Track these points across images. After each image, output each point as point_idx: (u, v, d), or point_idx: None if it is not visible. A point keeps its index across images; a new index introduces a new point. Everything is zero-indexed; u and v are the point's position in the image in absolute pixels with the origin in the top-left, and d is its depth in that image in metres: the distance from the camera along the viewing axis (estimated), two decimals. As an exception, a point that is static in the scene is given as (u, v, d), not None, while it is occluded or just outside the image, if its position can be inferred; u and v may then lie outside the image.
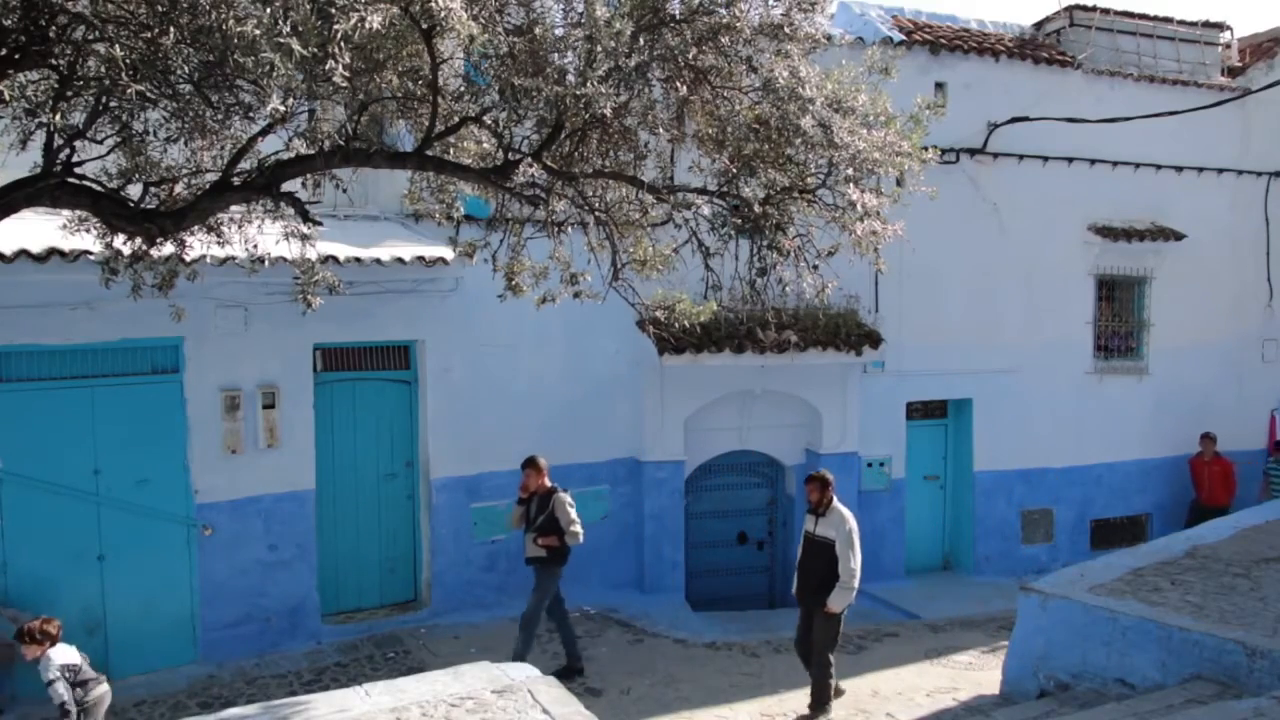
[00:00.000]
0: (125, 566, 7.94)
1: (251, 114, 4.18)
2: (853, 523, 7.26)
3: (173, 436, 8.14)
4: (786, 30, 4.95)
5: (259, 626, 8.50)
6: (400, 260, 8.38)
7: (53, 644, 5.90)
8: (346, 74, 3.61)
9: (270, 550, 8.58)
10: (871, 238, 5.27)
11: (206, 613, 8.30)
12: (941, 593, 11.39)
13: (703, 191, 5.42)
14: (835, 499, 7.36)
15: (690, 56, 4.74)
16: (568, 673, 7.92)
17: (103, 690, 6.03)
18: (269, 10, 3.36)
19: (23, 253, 6.97)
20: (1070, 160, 12.22)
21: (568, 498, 7.99)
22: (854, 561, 7.18)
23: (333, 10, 3.45)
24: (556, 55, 4.58)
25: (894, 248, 5.97)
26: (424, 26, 4.07)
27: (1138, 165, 12.60)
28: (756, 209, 5.13)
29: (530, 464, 8.04)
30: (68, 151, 4.46)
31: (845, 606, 7.29)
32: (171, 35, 3.42)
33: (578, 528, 7.89)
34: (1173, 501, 12.82)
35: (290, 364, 8.62)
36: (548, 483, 8.05)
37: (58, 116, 4.06)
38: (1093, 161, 12.34)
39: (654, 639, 9.24)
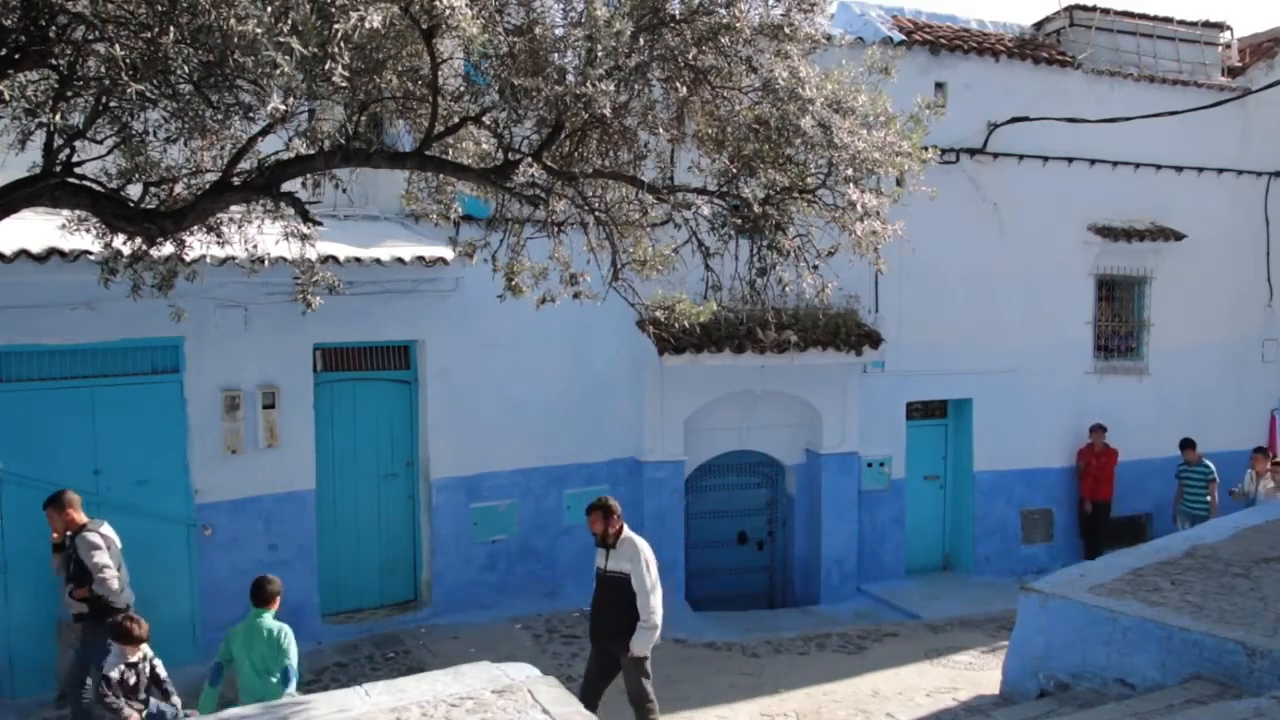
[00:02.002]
0: (125, 566, 7.92)
1: (251, 114, 4.18)
2: (648, 552, 6.50)
3: (173, 436, 8.14)
4: (786, 30, 4.94)
5: (259, 626, 8.49)
6: (400, 260, 8.38)
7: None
8: (347, 74, 3.61)
9: (270, 550, 8.57)
10: (871, 238, 5.26)
11: (206, 613, 8.30)
12: (941, 593, 11.40)
13: (703, 191, 5.42)
14: (625, 527, 6.59)
15: (690, 56, 4.74)
16: None
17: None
18: (269, 10, 3.36)
19: (23, 253, 6.97)
20: (1070, 160, 12.23)
21: (95, 536, 6.53)
22: (654, 596, 6.40)
23: (333, 9, 3.45)
24: (556, 55, 4.58)
25: (894, 248, 5.97)
26: (424, 26, 4.07)
27: (1138, 165, 12.60)
28: (756, 209, 5.13)
29: (51, 502, 6.64)
30: (68, 151, 4.46)
31: (650, 647, 6.52)
32: (171, 35, 3.42)
33: (107, 574, 6.42)
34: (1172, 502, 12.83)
35: (290, 364, 8.62)
36: (80, 518, 6.68)
37: (58, 116, 4.06)
38: (1093, 161, 12.35)
39: (654, 639, 9.23)
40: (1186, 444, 11.82)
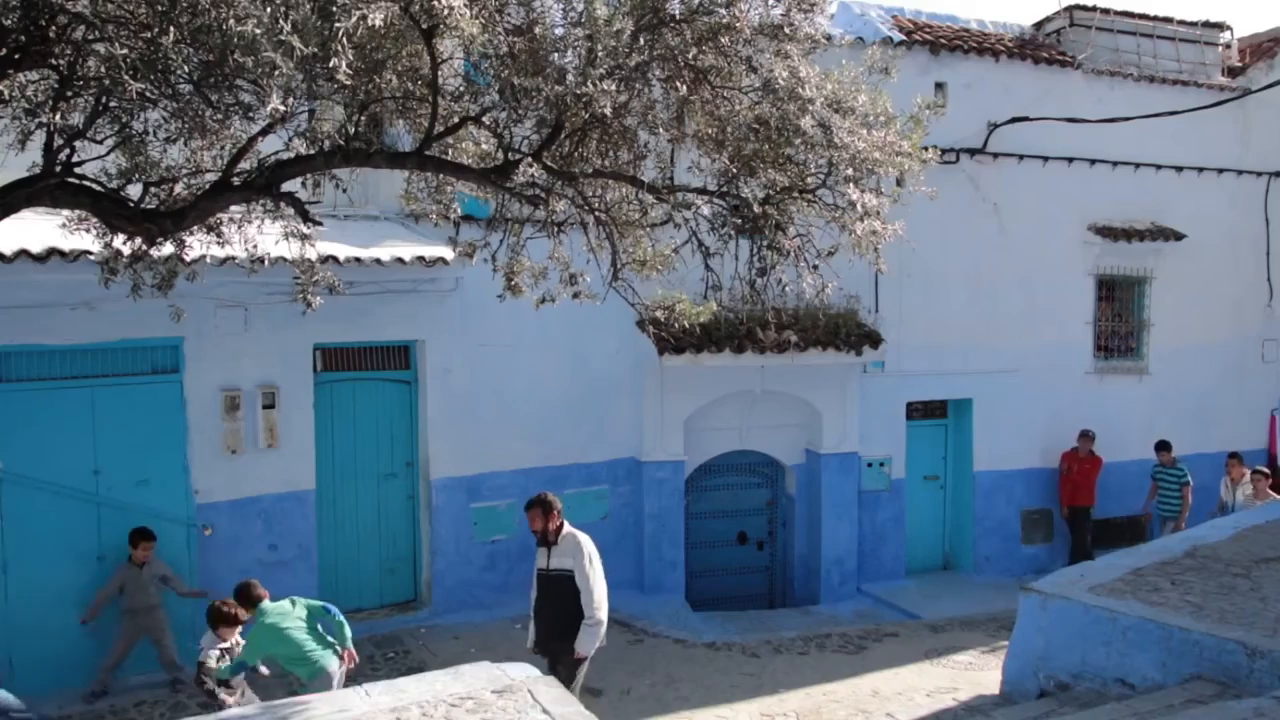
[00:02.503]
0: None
1: (251, 114, 4.18)
2: (590, 546, 6.29)
3: (173, 436, 8.15)
4: (786, 30, 4.94)
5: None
6: (400, 260, 8.38)
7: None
8: (349, 72, 3.60)
9: (270, 550, 8.58)
10: (871, 238, 5.26)
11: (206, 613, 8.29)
12: (941, 593, 11.40)
13: (703, 191, 5.41)
14: (566, 523, 6.37)
15: (690, 56, 4.74)
16: None
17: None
18: (269, 9, 3.36)
19: (23, 253, 6.98)
20: (1070, 160, 12.23)
21: None
22: (598, 591, 6.19)
23: (333, 8, 3.45)
24: (556, 55, 4.58)
25: (894, 248, 5.97)
26: (424, 26, 4.07)
27: (1138, 165, 12.61)
28: (756, 209, 5.13)
29: None
30: (68, 151, 4.46)
31: (595, 648, 6.33)
32: (171, 35, 3.42)
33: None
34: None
35: (290, 364, 8.62)
36: None
37: (58, 116, 4.06)
38: (1093, 161, 12.35)
39: (654, 639, 9.24)
40: (1162, 445, 11.84)
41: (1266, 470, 10.64)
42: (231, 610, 6.25)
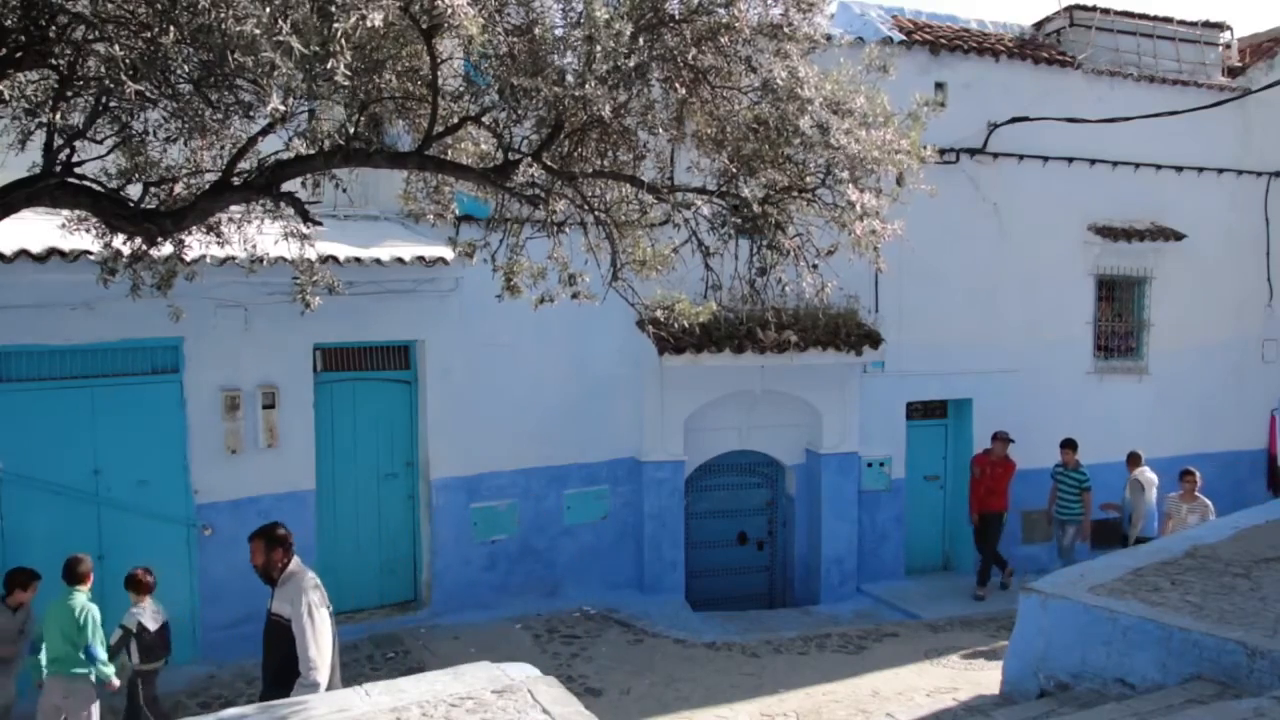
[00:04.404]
0: (125, 567, 7.90)
1: (251, 114, 4.18)
2: (315, 595, 5.10)
3: (173, 436, 8.15)
4: (786, 30, 4.95)
5: (259, 626, 8.46)
6: (400, 260, 8.38)
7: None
8: (349, 72, 3.61)
9: (270, 550, 8.57)
10: (871, 237, 5.25)
11: (206, 613, 8.31)
12: (941, 593, 11.40)
13: (702, 191, 5.41)
14: (297, 561, 5.21)
15: (690, 56, 4.74)
16: None
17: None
18: (268, 9, 3.36)
19: (23, 253, 6.98)
20: (1070, 160, 12.23)
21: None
22: (313, 647, 4.96)
23: (332, 8, 3.45)
24: (556, 56, 4.58)
25: (894, 248, 5.96)
26: (424, 26, 4.07)
27: (1138, 165, 12.61)
28: (756, 208, 5.13)
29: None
30: (68, 151, 4.46)
31: None
32: (171, 35, 3.42)
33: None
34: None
35: (290, 364, 8.62)
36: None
37: (58, 116, 4.06)
38: (1093, 161, 12.35)
39: (654, 639, 9.24)
40: (1066, 444, 11.29)
41: (1194, 470, 10.10)
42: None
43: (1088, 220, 12.38)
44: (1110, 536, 11.37)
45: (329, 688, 5.02)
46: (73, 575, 6.53)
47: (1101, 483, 11.66)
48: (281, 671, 5.06)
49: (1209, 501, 9.83)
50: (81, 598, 6.48)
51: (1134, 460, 10.95)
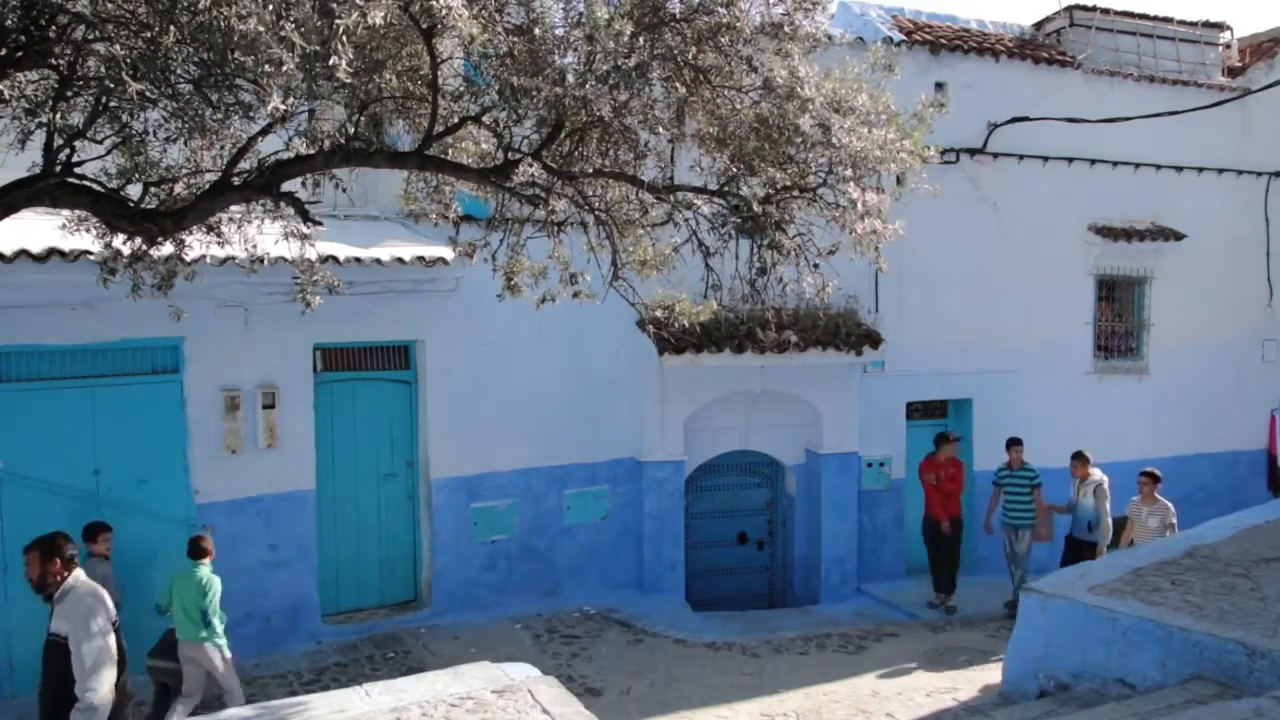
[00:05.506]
0: (125, 567, 7.92)
1: (251, 114, 4.18)
2: (94, 609, 4.55)
3: (173, 436, 8.14)
4: (786, 30, 4.95)
5: (259, 626, 8.50)
6: (400, 260, 8.38)
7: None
8: (350, 70, 3.60)
9: (270, 550, 8.58)
10: (871, 237, 5.26)
11: (206, 613, 8.30)
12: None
13: (703, 191, 5.41)
14: (80, 573, 4.74)
15: (690, 56, 4.74)
16: None
17: None
18: (270, 7, 3.35)
19: (23, 253, 6.97)
20: (1070, 160, 12.23)
21: None
22: (90, 659, 4.42)
23: (334, 6, 3.44)
24: (556, 55, 4.58)
25: (894, 247, 5.96)
26: (424, 26, 4.07)
27: (1138, 165, 12.61)
28: (757, 208, 5.12)
29: None
30: (68, 151, 4.46)
31: None
32: (171, 34, 3.42)
33: None
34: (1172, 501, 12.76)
35: (290, 364, 8.62)
36: None
37: (58, 116, 4.06)
38: (1093, 161, 12.35)
39: (654, 639, 9.24)
40: (1012, 443, 10.60)
41: (1155, 472, 9.64)
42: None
43: (1088, 220, 12.38)
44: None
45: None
46: (197, 550, 7.10)
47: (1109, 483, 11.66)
48: (59, 697, 4.53)
49: (1169, 504, 9.43)
50: (205, 570, 7.04)
51: (1082, 461, 10.24)
